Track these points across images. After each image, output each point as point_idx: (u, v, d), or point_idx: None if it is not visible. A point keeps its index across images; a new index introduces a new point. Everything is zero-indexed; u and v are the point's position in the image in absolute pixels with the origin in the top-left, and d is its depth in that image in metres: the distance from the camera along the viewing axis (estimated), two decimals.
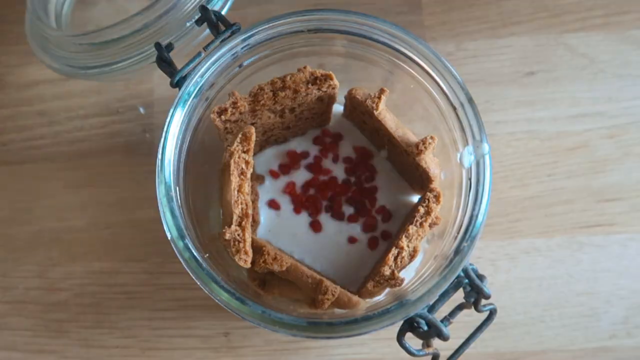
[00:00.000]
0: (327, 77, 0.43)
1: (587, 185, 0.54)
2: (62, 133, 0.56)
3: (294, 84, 0.43)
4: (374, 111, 0.43)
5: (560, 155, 0.54)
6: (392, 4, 0.57)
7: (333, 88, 0.43)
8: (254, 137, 0.42)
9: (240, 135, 0.42)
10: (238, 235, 0.40)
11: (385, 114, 0.43)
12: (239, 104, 0.42)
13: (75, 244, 0.54)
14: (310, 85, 0.43)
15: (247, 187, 0.41)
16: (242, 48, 0.42)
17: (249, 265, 0.40)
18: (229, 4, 0.46)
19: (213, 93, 0.43)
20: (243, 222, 0.40)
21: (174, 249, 0.39)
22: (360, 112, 0.45)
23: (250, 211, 0.41)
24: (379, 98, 0.43)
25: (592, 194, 0.54)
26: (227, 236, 0.40)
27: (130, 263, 0.53)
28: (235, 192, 0.41)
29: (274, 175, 0.47)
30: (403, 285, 0.41)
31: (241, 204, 0.41)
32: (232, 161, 0.41)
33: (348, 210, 0.46)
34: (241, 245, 0.40)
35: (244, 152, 0.41)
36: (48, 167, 0.55)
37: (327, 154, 0.48)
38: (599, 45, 0.56)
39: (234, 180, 0.41)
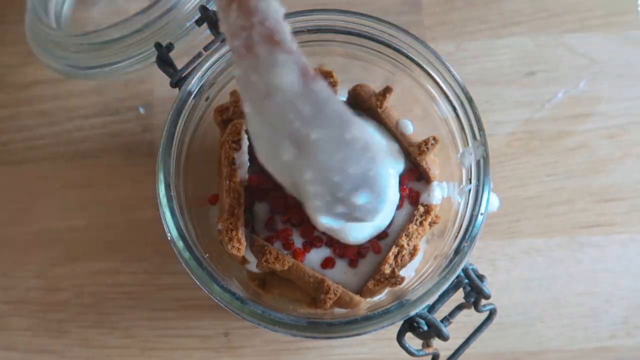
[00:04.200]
0: (327, 75, 0.43)
1: (587, 185, 0.54)
2: (62, 133, 0.56)
3: None
4: (378, 109, 0.43)
5: (560, 155, 0.54)
6: (392, 4, 0.57)
7: (333, 85, 0.43)
8: (244, 128, 0.42)
9: (230, 126, 0.42)
10: (230, 224, 0.40)
11: (389, 113, 0.44)
12: (240, 103, 0.43)
13: (75, 244, 0.53)
14: None
15: (238, 177, 0.41)
16: None
17: (242, 253, 0.40)
18: None
19: (213, 93, 0.43)
20: (235, 211, 0.40)
21: (174, 249, 0.39)
22: (364, 110, 0.45)
23: (242, 200, 0.41)
24: (384, 96, 0.43)
25: (592, 194, 0.54)
26: (220, 226, 0.40)
27: (130, 263, 0.53)
28: (227, 182, 0.41)
29: None
30: (403, 284, 0.41)
31: (233, 192, 0.41)
32: (222, 151, 0.41)
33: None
34: (234, 233, 0.40)
35: (234, 142, 0.42)
36: (48, 167, 0.55)
37: None
38: (599, 45, 0.56)
39: (225, 170, 0.41)
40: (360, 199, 0.36)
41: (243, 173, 0.42)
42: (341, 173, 0.35)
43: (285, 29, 0.30)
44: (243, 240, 0.40)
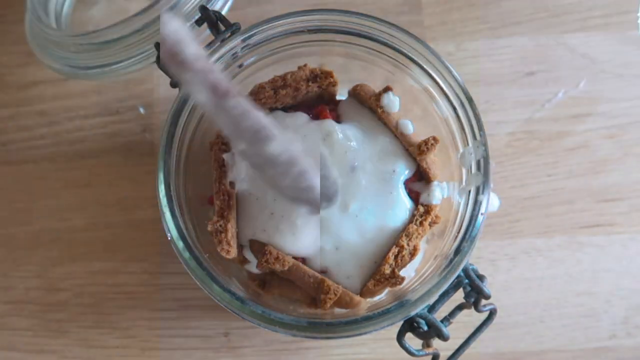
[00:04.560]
0: (327, 75, 0.43)
1: (587, 185, 0.54)
2: (62, 133, 0.56)
3: (294, 82, 0.43)
4: (378, 109, 0.43)
5: (560, 155, 0.54)
6: (392, 4, 0.57)
7: (333, 85, 0.43)
8: None
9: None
10: (220, 226, 0.40)
11: (389, 112, 0.44)
12: None
13: (75, 244, 0.53)
14: (310, 83, 0.43)
15: (228, 179, 0.41)
16: (242, 48, 0.42)
17: (232, 255, 0.40)
18: (229, 4, 0.46)
19: None
20: (225, 213, 0.40)
21: (174, 249, 0.39)
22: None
23: (233, 202, 0.41)
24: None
25: (592, 194, 0.54)
26: (210, 228, 0.40)
27: (130, 263, 0.53)
28: (217, 184, 0.41)
29: None
30: (403, 284, 0.41)
31: (222, 195, 0.41)
32: (212, 153, 0.41)
33: None
34: (223, 235, 0.40)
35: (223, 144, 0.42)
36: (48, 167, 0.55)
37: None
38: (599, 45, 0.56)
39: (215, 172, 0.41)
40: (302, 210, 0.39)
41: (234, 175, 0.42)
42: (277, 185, 0.36)
43: (188, 48, 0.29)
44: (233, 242, 0.40)
